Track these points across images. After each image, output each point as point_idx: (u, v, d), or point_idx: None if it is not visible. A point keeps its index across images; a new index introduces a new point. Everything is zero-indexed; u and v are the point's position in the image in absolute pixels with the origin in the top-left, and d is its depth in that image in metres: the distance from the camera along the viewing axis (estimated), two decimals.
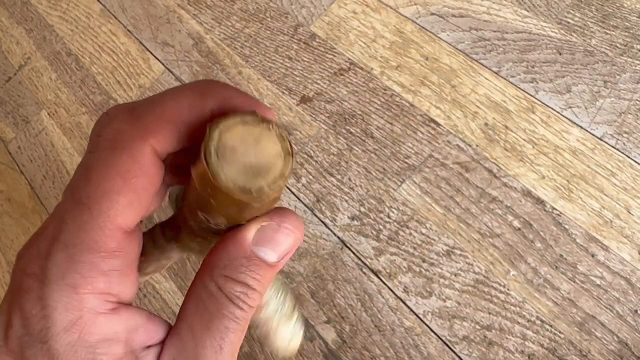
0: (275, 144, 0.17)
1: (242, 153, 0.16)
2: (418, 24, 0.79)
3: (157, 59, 0.91)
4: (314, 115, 0.77)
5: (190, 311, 0.17)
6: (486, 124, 0.70)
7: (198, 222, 0.18)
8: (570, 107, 0.68)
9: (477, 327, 0.61)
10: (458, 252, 0.65)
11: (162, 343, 0.18)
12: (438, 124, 0.72)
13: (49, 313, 0.15)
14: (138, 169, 0.16)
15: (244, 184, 0.16)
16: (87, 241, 0.15)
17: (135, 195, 0.16)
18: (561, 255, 0.62)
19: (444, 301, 0.63)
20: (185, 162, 0.18)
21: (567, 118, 0.68)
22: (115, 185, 0.15)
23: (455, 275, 0.64)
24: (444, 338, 0.62)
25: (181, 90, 0.17)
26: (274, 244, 0.18)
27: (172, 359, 0.17)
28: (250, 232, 0.18)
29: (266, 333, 0.22)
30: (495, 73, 0.72)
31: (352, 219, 0.70)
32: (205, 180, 0.16)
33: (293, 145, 0.20)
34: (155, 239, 0.21)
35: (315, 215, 0.71)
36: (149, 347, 0.17)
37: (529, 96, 0.70)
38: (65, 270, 0.15)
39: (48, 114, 0.94)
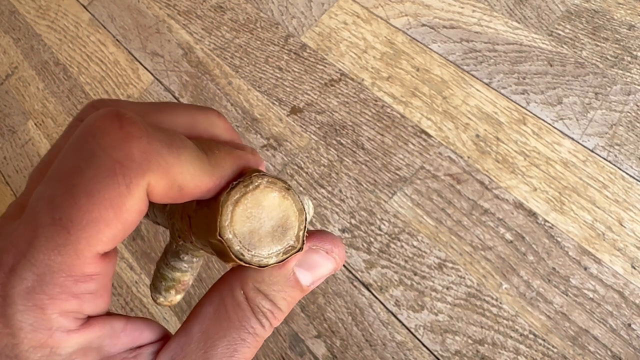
0: (271, 192, 0.17)
1: (260, 227, 0.16)
2: (409, 35, 0.79)
3: (146, 69, 0.90)
4: (304, 126, 0.77)
5: (207, 314, 0.17)
6: (477, 136, 0.69)
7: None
8: (561, 119, 0.68)
9: (470, 341, 0.61)
10: (450, 265, 0.64)
11: (160, 341, 0.17)
12: (429, 136, 0.71)
13: (15, 332, 0.14)
14: (133, 205, 0.15)
15: (283, 247, 0.17)
16: (61, 264, 0.14)
17: (121, 227, 0.15)
18: (554, 269, 0.61)
19: (436, 315, 0.62)
20: None
21: (558, 130, 0.67)
22: (105, 216, 0.14)
23: (447, 288, 0.63)
24: (436, 353, 0.61)
25: (194, 157, 0.16)
26: (315, 269, 0.18)
27: (172, 358, 0.16)
28: (297, 254, 0.18)
29: None
30: (487, 84, 0.72)
31: (343, 231, 0.69)
32: (246, 265, 0.17)
33: (282, 178, 0.19)
34: (178, 267, 0.22)
35: None
36: (140, 347, 0.17)
37: (520, 108, 0.70)
38: (32, 290, 0.14)
39: (35, 124, 0.93)
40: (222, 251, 0.16)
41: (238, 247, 0.16)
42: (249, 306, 0.17)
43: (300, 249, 0.17)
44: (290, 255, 0.17)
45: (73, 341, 0.15)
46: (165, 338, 0.17)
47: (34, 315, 0.14)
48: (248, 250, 0.16)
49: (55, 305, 0.14)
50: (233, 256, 0.16)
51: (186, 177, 0.15)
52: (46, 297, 0.14)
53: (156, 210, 0.22)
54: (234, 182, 0.17)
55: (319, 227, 0.70)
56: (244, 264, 0.16)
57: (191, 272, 0.23)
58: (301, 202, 0.17)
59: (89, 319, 0.15)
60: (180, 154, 0.15)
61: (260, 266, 0.16)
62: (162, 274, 0.23)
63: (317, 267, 0.18)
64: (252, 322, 0.17)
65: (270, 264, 0.16)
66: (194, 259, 0.22)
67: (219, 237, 0.16)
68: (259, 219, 0.17)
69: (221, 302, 0.17)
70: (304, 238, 0.17)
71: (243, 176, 0.17)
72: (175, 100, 0.85)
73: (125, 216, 0.15)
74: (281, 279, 0.17)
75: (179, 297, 0.23)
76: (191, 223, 0.18)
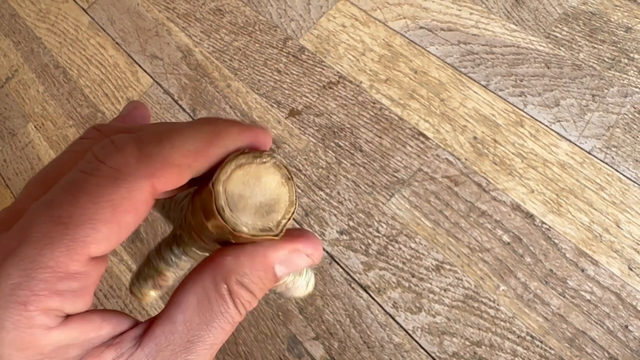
0: (274, 174, 0.18)
1: (250, 196, 0.17)
2: (407, 38, 0.79)
3: (145, 71, 0.90)
4: (302, 129, 0.77)
5: (190, 304, 0.18)
6: (475, 138, 0.70)
7: (208, 242, 0.20)
8: (558, 121, 0.68)
9: (467, 343, 0.61)
10: (447, 266, 0.64)
11: (137, 327, 0.17)
12: (427, 138, 0.71)
13: None
14: (131, 205, 0.16)
15: (262, 224, 0.18)
16: (49, 259, 0.14)
17: (117, 229, 0.15)
18: (551, 270, 0.61)
19: (434, 317, 0.63)
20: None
21: (555, 132, 0.68)
22: (103, 215, 0.15)
23: (445, 290, 0.63)
24: (433, 354, 0.61)
25: (190, 133, 0.17)
26: (291, 265, 0.19)
27: (157, 345, 0.17)
28: (280, 254, 0.19)
29: (284, 289, 0.23)
30: (484, 87, 0.72)
31: (341, 233, 0.69)
32: (224, 229, 0.17)
33: (289, 169, 0.20)
34: (165, 258, 0.22)
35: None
36: (121, 334, 0.17)
37: (517, 110, 0.70)
38: (17, 286, 0.14)
39: (35, 126, 0.93)
40: (206, 206, 0.17)
41: (222, 203, 0.17)
42: (231, 298, 0.18)
43: (276, 235, 0.18)
44: (264, 237, 0.18)
45: (53, 338, 0.15)
46: (140, 324, 0.18)
47: (16, 312, 0.14)
48: (230, 209, 0.17)
49: (38, 302, 0.14)
50: (215, 209, 0.17)
51: (190, 156, 0.17)
52: (30, 293, 0.14)
53: (172, 204, 0.22)
54: (246, 150, 0.18)
55: (317, 229, 0.70)
56: (220, 222, 0.17)
57: (175, 269, 0.23)
58: (296, 196, 0.18)
59: (68, 316, 0.16)
60: (174, 140, 0.17)
61: (234, 230, 0.17)
62: (149, 260, 0.23)
63: (294, 265, 0.19)
64: (233, 312, 0.18)
65: (243, 233, 0.17)
66: (183, 257, 0.22)
67: (210, 187, 0.17)
68: (252, 190, 0.17)
69: (204, 294, 0.18)
70: (283, 229, 0.18)
71: (255, 150, 0.18)
72: (174, 103, 0.85)
73: (123, 216, 0.15)
74: (262, 273, 0.19)
75: (153, 294, 0.23)
76: (194, 199, 0.19)
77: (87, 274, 0.15)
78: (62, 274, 0.15)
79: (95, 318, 0.17)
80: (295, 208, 0.18)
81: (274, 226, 0.18)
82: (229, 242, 0.19)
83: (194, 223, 0.19)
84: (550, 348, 0.58)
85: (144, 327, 0.17)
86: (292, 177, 0.18)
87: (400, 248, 0.66)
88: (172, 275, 0.23)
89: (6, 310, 0.14)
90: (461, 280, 0.63)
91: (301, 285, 0.24)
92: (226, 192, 0.17)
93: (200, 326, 0.17)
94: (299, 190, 0.73)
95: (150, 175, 0.16)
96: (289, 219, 0.18)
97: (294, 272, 0.20)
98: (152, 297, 0.24)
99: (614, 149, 0.65)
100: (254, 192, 0.18)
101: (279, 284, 0.22)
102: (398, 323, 0.63)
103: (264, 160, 0.18)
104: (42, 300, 0.14)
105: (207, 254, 0.20)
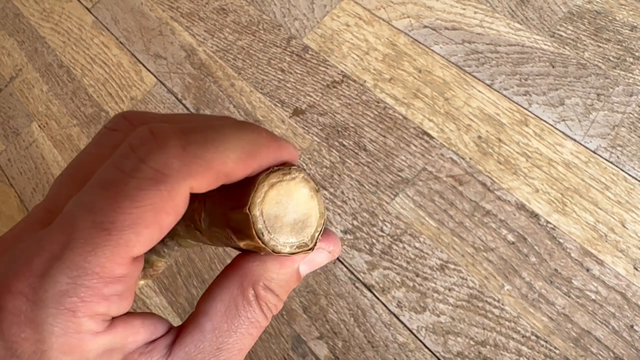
0: (303, 188, 0.18)
1: (284, 215, 0.18)
2: (411, 37, 0.79)
3: (149, 71, 0.90)
4: (306, 128, 0.77)
5: (218, 311, 0.18)
6: (479, 137, 0.70)
7: (218, 242, 0.20)
8: (563, 120, 0.68)
9: (472, 342, 0.61)
10: (452, 266, 0.64)
11: (169, 334, 0.18)
12: (431, 137, 0.71)
13: (45, 337, 0.14)
14: (172, 207, 0.15)
15: (298, 241, 0.18)
16: (95, 266, 0.14)
17: (158, 230, 0.15)
18: (556, 270, 0.61)
19: (438, 316, 0.62)
20: None
21: (560, 131, 0.67)
22: (145, 219, 0.15)
23: (449, 290, 0.63)
24: (438, 354, 0.61)
25: (234, 141, 0.17)
26: (313, 264, 0.20)
27: (186, 354, 0.17)
28: (306, 256, 0.19)
29: None
30: (489, 86, 0.72)
31: (345, 232, 0.69)
32: (257, 248, 0.17)
33: (316, 180, 0.21)
34: (157, 249, 0.22)
35: None
36: (154, 341, 0.17)
37: (522, 109, 0.70)
38: (65, 293, 0.14)
39: (39, 126, 0.93)
40: (241, 227, 0.17)
41: (261, 226, 0.17)
42: (257, 303, 0.18)
43: (311, 249, 0.18)
44: (301, 252, 0.18)
45: (99, 343, 0.15)
46: (172, 330, 0.18)
47: (65, 319, 0.14)
48: (268, 232, 0.17)
49: (87, 308, 0.14)
50: (254, 233, 0.17)
51: (230, 165, 0.16)
52: (78, 300, 0.14)
53: None
54: (275, 167, 0.18)
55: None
56: (258, 244, 0.17)
57: (167, 259, 0.23)
58: (324, 206, 0.19)
59: (113, 319, 0.16)
60: (218, 145, 0.16)
61: (273, 251, 0.17)
62: None
63: (317, 264, 0.20)
64: (260, 317, 0.18)
65: (282, 253, 0.17)
66: (176, 247, 0.22)
67: (247, 211, 0.17)
68: (285, 208, 0.18)
69: (231, 301, 0.18)
70: (317, 241, 0.18)
71: (282, 165, 0.18)
72: (178, 102, 0.86)
73: (164, 218, 0.15)
74: (289, 276, 0.19)
75: (142, 282, 0.23)
76: (206, 200, 0.19)
77: (130, 275, 0.16)
78: (108, 279, 0.15)
79: (136, 322, 0.17)
80: (325, 219, 0.19)
81: (309, 241, 0.18)
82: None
83: (214, 231, 0.19)
84: (555, 348, 0.58)
85: (175, 335, 0.18)
86: (319, 188, 0.19)
87: (404, 247, 0.66)
88: (163, 265, 0.23)
89: (56, 317, 0.14)
90: (466, 279, 0.63)
91: None
92: (263, 215, 0.17)
93: (228, 333, 0.18)
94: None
95: (191, 178, 0.16)
96: (322, 231, 0.18)
97: (316, 268, 0.21)
98: (142, 285, 0.24)
99: (619, 148, 0.65)
100: (288, 210, 0.18)
101: None
102: (402, 322, 0.63)
103: (294, 176, 0.18)
104: (90, 306, 0.15)
105: (202, 243, 0.21)
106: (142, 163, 0.15)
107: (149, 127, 0.16)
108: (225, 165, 0.16)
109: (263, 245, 0.17)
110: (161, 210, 0.15)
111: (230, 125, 0.17)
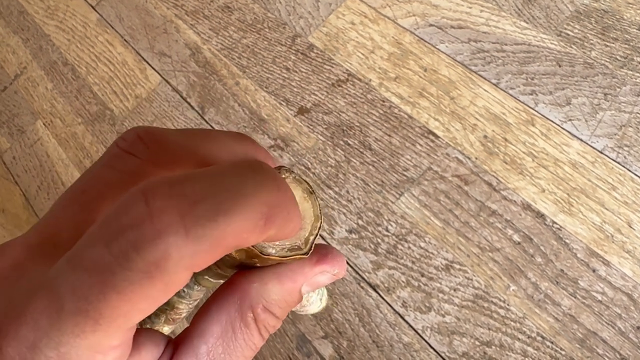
0: (295, 189, 0.17)
1: None
2: (417, 35, 0.78)
3: (153, 69, 0.90)
4: (311, 127, 0.77)
5: (214, 334, 0.17)
6: (485, 137, 0.69)
7: (226, 268, 0.19)
8: (570, 120, 0.68)
9: (477, 343, 0.60)
10: (457, 266, 0.64)
11: (165, 353, 0.17)
12: (437, 136, 0.71)
13: None
14: (167, 294, 0.14)
15: (290, 244, 0.17)
16: (88, 346, 0.13)
17: (154, 307, 0.14)
18: (562, 270, 0.61)
19: (443, 316, 0.62)
20: None
21: (567, 131, 0.67)
22: (138, 307, 0.13)
23: (455, 290, 0.63)
24: (443, 354, 0.61)
25: (252, 204, 0.14)
26: (316, 284, 0.19)
27: None
28: (308, 276, 0.18)
29: (298, 307, 0.22)
30: (495, 85, 0.72)
31: (350, 232, 0.69)
32: (249, 254, 0.16)
33: (310, 183, 0.20)
34: (179, 292, 0.21)
35: None
36: None
37: (528, 108, 0.69)
38: None
39: (43, 124, 0.93)
40: None
41: None
42: (256, 326, 0.17)
43: (306, 254, 0.17)
44: (294, 256, 0.17)
45: None
46: (168, 347, 0.17)
47: None
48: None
49: None
50: None
51: (243, 238, 0.14)
52: None
53: None
54: None
55: (326, 227, 0.70)
56: (248, 248, 0.16)
57: (188, 300, 0.22)
58: (320, 210, 0.17)
59: None
60: (231, 214, 0.13)
61: (262, 253, 0.16)
62: None
63: (320, 284, 0.19)
64: (257, 339, 0.17)
65: (271, 255, 0.16)
66: (196, 287, 0.21)
67: None
68: None
69: (229, 324, 0.17)
70: (312, 246, 0.17)
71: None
72: (183, 101, 0.85)
73: (160, 301, 0.14)
74: (290, 297, 0.18)
75: (167, 329, 0.22)
76: None
77: (127, 339, 0.15)
78: (104, 351, 0.14)
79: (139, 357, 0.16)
80: (321, 223, 0.17)
81: (302, 244, 0.17)
82: (252, 266, 0.18)
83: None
84: (561, 349, 0.58)
85: (169, 357, 0.17)
86: (313, 190, 0.18)
87: (409, 247, 0.66)
88: (185, 308, 0.22)
89: None
90: (471, 280, 0.63)
91: (315, 301, 0.23)
92: None
93: (223, 356, 0.17)
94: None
95: (194, 265, 0.13)
96: (316, 234, 0.17)
97: (317, 289, 0.19)
98: (167, 332, 0.22)
99: (626, 148, 0.65)
100: None
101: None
102: (407, 322, 0.63)
103: (283, 176, 0.17)
104: None
105: (222, 281, 0.20)
106: (134, 252, 0.13)
107: (145, 197, 0.14)
108: (237, 239, 0.14)
109: (251, 247, 0.16)
110: (157, 301, 0.13)
111: (245, 178, 0.15)
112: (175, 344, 0.17)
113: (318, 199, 0.18)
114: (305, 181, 0.17)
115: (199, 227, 0.13)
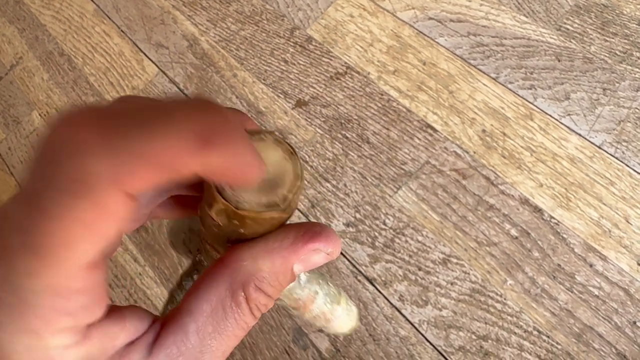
0: (275, 150, 0.17)
1: None
2: (416, 29, 0.78)
3: (151, 60, 0.89)
4: (309, 120, 0.76)
5: (203, 312, 0.17)
6: (484, 131, 0.69)
7: (222, 250, 0.19)
8: (569, 115, 0.67)
9: (474, 337, 0.60)
10: (454, 260, 0.64)
11: (151, 331, 0.16)
12: (435, 130, 0.71)
13: (8, 356, 0.13)
14: (106, 217, 0.13)
15: (267, 200, 0.16)
16: (45, 286, 0.13)
17: (99, 240, 0.13)
18: (559, 265, 0.61)
19: (440, 310, 0.62)
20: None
21: (565, 126, 0.67)
22: (76, 234, 0.12)
23: (452, 284, 0.63)
24: (439, 348, 0.61)
25: (180, 124, 0.13)
26: (309, 264, 0.18)
27: (167, 356, 0.16)
28: (300, 255, 0.18)
29: (324, 322, 0.22)
30: (494, 79, 0.72)
31: (348, 225, 0.69)
32: (228, 214, 0.16)
33: (291, 144, 0.19)
34: (187, 289, 0.21)
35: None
36: (133, 342, 0.16)
37: (527, 103, 0.69)
38: (21, 314, 0.13)
39: (39, 114, 0.92)
40: (208, 193, 0.16)
41: (224, 184, 0.16)
42: (248, 305, 0.17)
43: (284, 210, 0.17)
44: (271, 214, 0.16)
45: (72, 356, 0.14)
46: (154, 324, 0.17)
47: (28, 339, 0.13)
48: (231, 188, 0.16)
49: (49, 326, 0.13)
50: (215, 191, 0.16)
51: (175, 155, 0.13)
52: (38, 319, 0.13)
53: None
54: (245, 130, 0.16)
55: (323, 220, 0.70)
56: (224, 204, 0.16)
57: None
58: (302, 169, 0.17)
59: (88, 327, 0.15)
60: (157, 131, 0.13)
61: (237, 208, 0.16)
62: (172, 296, 0.22)
63: (313, 264, 0.18)
64: (248, 318, 0.17)
65: (245, 210, 0.16)
66: (195, 277, 0.21)
67: None
68: None
69: (219, 302, 0.17)
70: (290, 204, 0.17)
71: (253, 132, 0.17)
72: (181, 93, 0.85)
73: (102, 229, 0.13)
74: (281, 275, 0.18)
75: None
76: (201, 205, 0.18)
77: (92, 283, 0.14)
78: (65, 294, 0.13)
79: (114, 328, 0.15)
80: (301, 182, 0.17)
81: (281, 201, 0.17)
82: (241, 240, 0.17)
83: (204, 227, 0.18)
84: (557, 343, 0.58)
85: (155, 333, 0.16)
86: (295, 151, 0.17)
87: (407, 241, 0.66)
88: None
89: (16, 338, 0.13)
90: (468, 274, 0.63)
91: (341, 315, 0.22)
92: None
93: (213, 335, 0.16)
94: (306, 182, 0.72)
95: (122, 181, 0.12)
96: (295, 192, 0.17)
97: (311, 269, 0.19)
98: None
99: (624, 143, 0.65)
100: None
101: (315, 318, 0.21)
102: (404, 316, 0.63)
103: (263, 137, 0.17)
104: (54, 324, 0.13)
105: None
106: (59, 169, 0.12)
107: (66, 116, 0.13)
108: (168, 156, 0.13)
109: (226, 203, 0.15)
110: (92, 224, 0.12)
111: (180, 104, 0.14)
112: (163, 322, 0.17)
113: (300, 160, 0.17)
114: (287, 142, 0.17)
115: (119, 139, 0.12)
